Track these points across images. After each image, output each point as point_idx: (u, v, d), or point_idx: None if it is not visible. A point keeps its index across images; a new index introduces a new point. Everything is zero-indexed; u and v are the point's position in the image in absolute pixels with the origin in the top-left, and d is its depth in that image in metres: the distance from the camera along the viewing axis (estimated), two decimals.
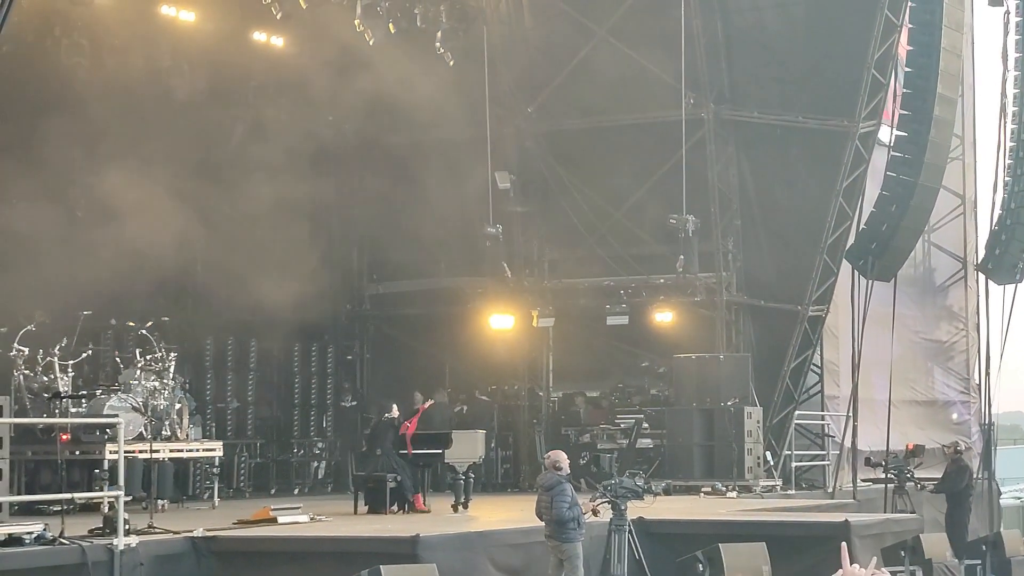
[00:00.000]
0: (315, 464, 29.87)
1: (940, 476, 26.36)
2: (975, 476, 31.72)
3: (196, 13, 26.43)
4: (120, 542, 15.74)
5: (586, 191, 29.67)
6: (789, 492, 27.29)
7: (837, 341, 29.24)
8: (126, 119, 25.43)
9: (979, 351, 33.15)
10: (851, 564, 6.82)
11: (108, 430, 20.54)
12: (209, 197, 26.69)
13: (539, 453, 28.04)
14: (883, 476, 26.17)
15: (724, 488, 26.27)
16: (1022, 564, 23.96)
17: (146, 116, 26.07)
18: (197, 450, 23.14)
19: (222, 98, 27.72)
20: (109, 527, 16.18)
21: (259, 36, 27.85)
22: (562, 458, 17.05)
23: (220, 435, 26.62)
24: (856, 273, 28.26)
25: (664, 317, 28.48)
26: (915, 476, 26.08)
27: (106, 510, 16.96)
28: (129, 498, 17.87)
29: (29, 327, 21.84)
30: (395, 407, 22.43)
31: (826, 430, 29.23)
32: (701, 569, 17.90)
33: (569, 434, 29.00)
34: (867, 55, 27.33)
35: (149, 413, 21.41)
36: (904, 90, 27.45)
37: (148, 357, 22.55)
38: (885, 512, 24.59)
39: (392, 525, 19.10)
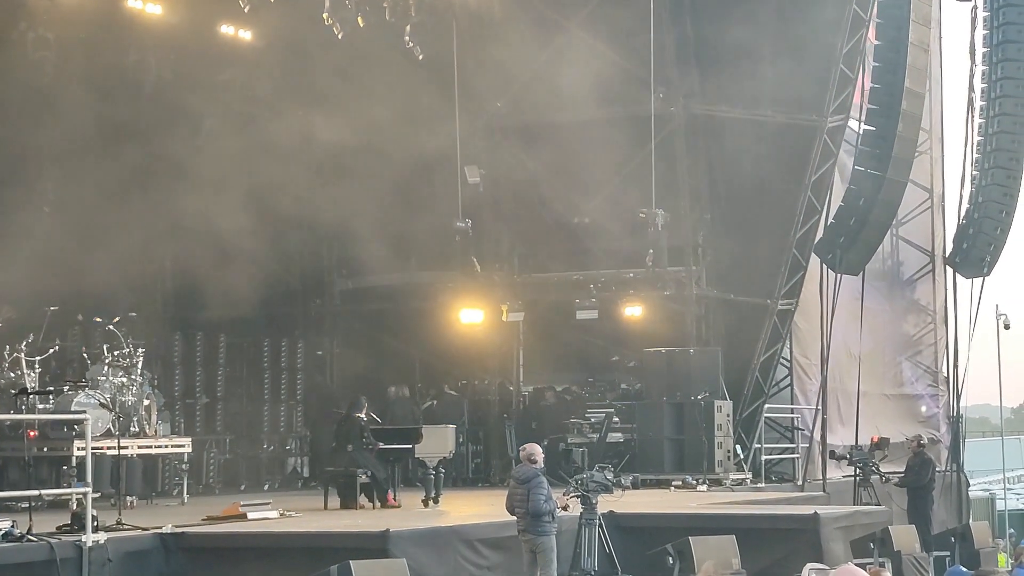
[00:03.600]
0: (294, 460, 29.80)
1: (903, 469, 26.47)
2: (944, 469, 31.97)
3: (163, 6, 26.29)
4: (88, 539, 15.66)
5: (556, 185, 29.65)
6: (759, 485, 27.36)
7: (806, 335, 29.31)
8: (93, 112, 25.31)
9: (947, 344, 33.31)
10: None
11: (76, 426, 20.44)
12: (177, 191, 26.59)
13: (510, 448, 28.03)
14: (850, 469, 26.26)
15: (694, 481, 26.31)
16: (990, 556, 24.09)
17: (113, 109, 25.93)
18: (166, 446, 23.05)
19: (190, 91, 27.58)
20: (77, 524, 16.09)
21: (227, 29, 27.73)
22: (537, 451, 17.07)
23: (189, 431, 26.53)
24: (825, 267, 28.36)
25: (634, 311, 28.49)
26: (880, 469, 26.13)
27: (74, 507, 16.87)
28: (97, 495, 17.79)
29: None
30: (364, 402, 22.37)
31: (796, 423, 29.30)
32: (671, 562, 17.93)
33: (538, 428, 28.93)
34: (835, 50, 27.40)
35: (117, 409, 21.33)
36: (872, 85, 27.56)
37: (116, 353, 22.44)
38: (855, 504, 24.66)
39: (362, 520, 19.06)
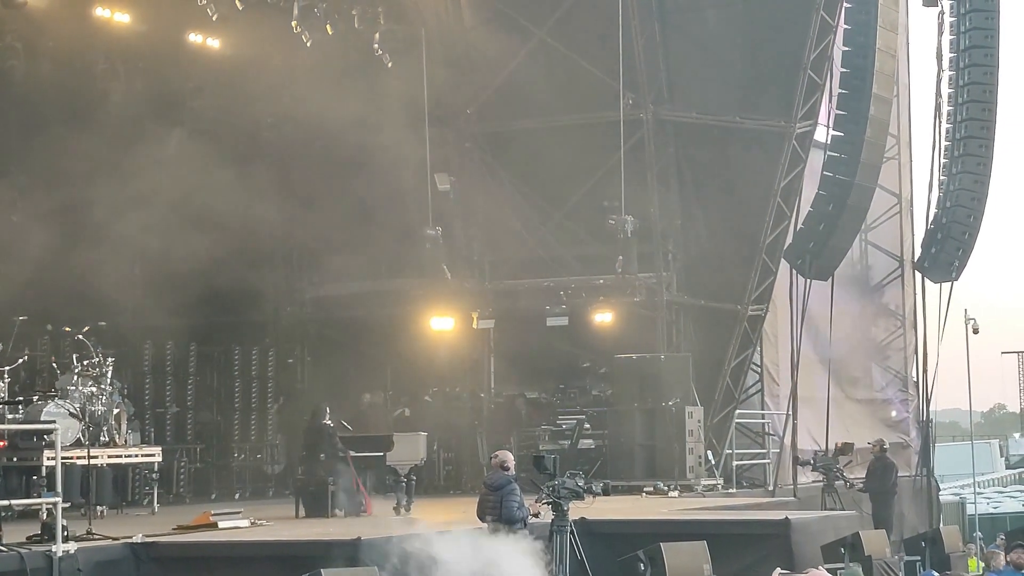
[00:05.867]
0: (271, 467, 29.73)
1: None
2: (915, 473, 32.06)
3: (131, 15, 26.24)
4: (59, 549, 15.59)
5: (526, 192, 29.69)
6: (730, 491, 27.41)
7: (776, 340, 29.40)
8: (61, 121, 25.24)
9: (916, 349, 33.43)
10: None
11: (46, 436, 20.35)
12: (146, 199, 26.51)
13: (481, 455, 28.02)
14: (817, 475, 26.30)
15: (666, 488, 26.35)
16: (961, 560, 24.15)
17: (81, 118, 25.86)
18: (136, 455, 22.95)
19: (158, 100, 27.54)
20: (47, 534, 16.02)
21: (195, 38, 27.69)
22: (509, 458, 17.07)
23: (159, 440, 26.45)
24: (794, 272, 28.45)
25: (604, 317, 28.53)
26: (844, 474, 26.15)
27: (44, 517, 16.79)
28: (67, 504, 17.70)
29: None
30: (327, 410, 22.29)
31: (766, 429, 29.38)
32: (642, 569, 17.91)
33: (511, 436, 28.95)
34: (803, 56, 27.51)
35: (87, 419, 21.22)
36: (840, 90, 27.66)
37: (85, 362, 22.33)
38: (822, 510, 24.72)
39: (334, 528, 19.02)
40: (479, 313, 29.47)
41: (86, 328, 23.01)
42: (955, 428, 68.13)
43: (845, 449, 27.22)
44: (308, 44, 26.94)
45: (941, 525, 29.23)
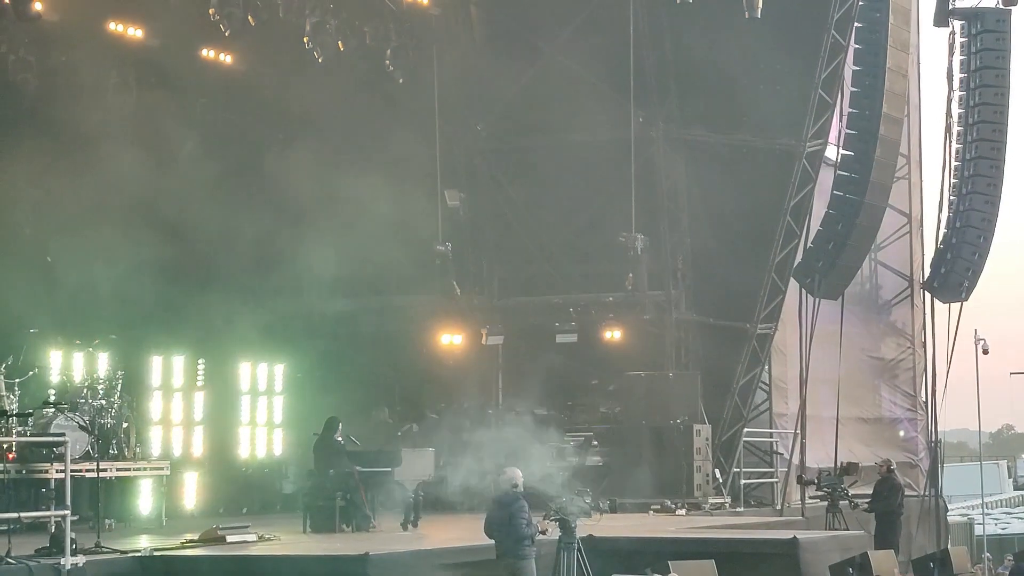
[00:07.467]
0: (279, 483, 29.70)
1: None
2: (923, 494, 32.00)
3: (143, 30, 26.32)
4: (67, 562, 15.62)
5: (536, 209, 29.72)
6: (738, 509, 27.40)
7: (785, 359, 29.40)
8: (75, 135, 25.30)
9: (925, 369, 33.40)
10: None
11: (55, 449, 20.39)
12: (157, 214, 26.57)
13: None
14: (819, 492, 26.26)
15: (673, 505, 26.33)
16: None
17: (94, 132, 25.92)
18: (145, 469, 22.98)
19: (170, 114, 27.59)
20: (56, 547, 16.05)
21: (207, 53, 27.76)
22: (518, 475, 17.06)
23: (168, 454, 26.45)
24: (803, 291, 28.45)
25: (614, 335, 28.56)
26: (849, 494, 26.08)
27: (53, 529, 16.82)
28: (76, 517, 17.73)
29: None
30: (340, 425, 22.35)
31: (774, 447, 29.35)
32: None
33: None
34: (814, 75, 27.54)
35: (96, 432, 21.26)
36: (850, 110, 27.73)
37: (95, 375, 22.37)
38: (826, 529, 24.68)
39: (341, 544, 19.03)
40: (488, 329, 29.48)
41: (96, 341, 23.06)
42: (963, 448, 67.99)
43: (850, 469, 27.14)
44: (320, 60, 26.99)
45: (950, 546, 29.20)
